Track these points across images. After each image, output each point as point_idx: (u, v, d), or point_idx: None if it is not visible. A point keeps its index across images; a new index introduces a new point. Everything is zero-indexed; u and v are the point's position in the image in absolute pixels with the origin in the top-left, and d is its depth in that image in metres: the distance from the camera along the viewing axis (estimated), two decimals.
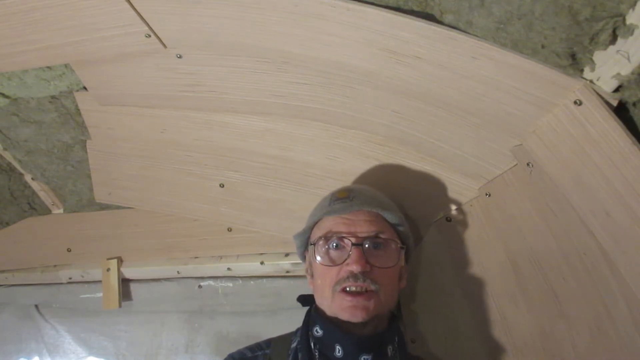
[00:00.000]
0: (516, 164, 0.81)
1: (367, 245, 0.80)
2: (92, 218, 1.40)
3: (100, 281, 1.42)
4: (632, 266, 0.65)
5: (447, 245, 1.00)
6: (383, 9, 0.72)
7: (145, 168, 1.23)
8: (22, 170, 1.39)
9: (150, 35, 0.92)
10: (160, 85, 1.05)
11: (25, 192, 1.43)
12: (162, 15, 0.89)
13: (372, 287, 0.77)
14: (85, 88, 1.12)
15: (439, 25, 0.70)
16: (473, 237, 0.95)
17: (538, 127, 0.72)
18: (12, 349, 1.64)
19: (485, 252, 0.94)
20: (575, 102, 0.64)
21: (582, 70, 0.64)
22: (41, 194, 1.43)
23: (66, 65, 1.07)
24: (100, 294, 1.42)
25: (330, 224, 0.83)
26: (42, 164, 1.34)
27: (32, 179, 1.40)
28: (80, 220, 1.42)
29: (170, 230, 1.31)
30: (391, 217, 0.84)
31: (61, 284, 1.52)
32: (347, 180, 1.04)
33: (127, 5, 0.87)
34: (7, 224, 1.49)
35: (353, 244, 0.78)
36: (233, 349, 0.90)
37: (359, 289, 0.77)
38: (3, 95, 1.16)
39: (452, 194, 0.95)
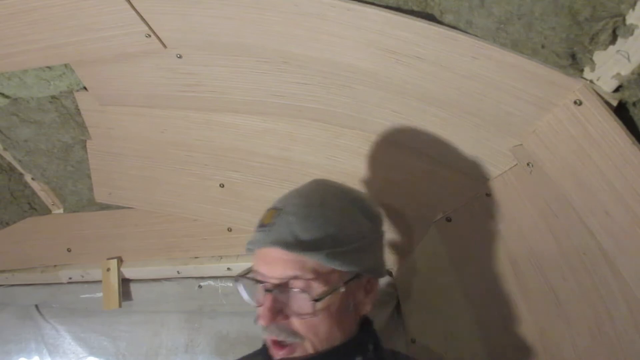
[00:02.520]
0: (516, 164, 0.81)
1: (278, 292, 0.66)
2: (92, 218, 1.40)
3: (100, 281, 1.42)
4: (632, 266, 0.65)
5: (447, 245, 1.00)
6: (383, 9, 0.72)
7: (145, 168, 1.23)
8: (22, 170, 1.39)
9: (150, 35, 0.92)
10: (160, 85, 1.05)
11: (25, 192, 1.43)
12: (162, 15, 0.88)
13: (290, 340, 0.66)
14: (85, 88, 1.12)
15: (439, 25, 0.70)
16: (473, 237, 0.95)
17: (538, 127, 0.71)
18: (12, 349, 1.63)
19: (485, 252, 0.94)
20: (575, 102, 0.64)
21: (582, 70, 0.64)
22: (41, 194, 1.43)
23: (66, 65, 1.06)
24: (100, 294, 1.42)
25: (254, 257, 0.72)
26: (42, 164, 1.33)
27: (32, 179, 1.40)
28: (80, 220, 1.41)
29: (170, 230, 1.31)
30: (313, 257, 0.66)
31: (61, 284, 1.52)
32: (347, 180, 1.03)
33: (127, 5, 0.87)
34: (7, 224, 1.49)
35: (265, 290, 0.67)
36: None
37: (279, 342, 0.68)
38: (3, 95, 1.16)
39: (452, 194, 0.94)
